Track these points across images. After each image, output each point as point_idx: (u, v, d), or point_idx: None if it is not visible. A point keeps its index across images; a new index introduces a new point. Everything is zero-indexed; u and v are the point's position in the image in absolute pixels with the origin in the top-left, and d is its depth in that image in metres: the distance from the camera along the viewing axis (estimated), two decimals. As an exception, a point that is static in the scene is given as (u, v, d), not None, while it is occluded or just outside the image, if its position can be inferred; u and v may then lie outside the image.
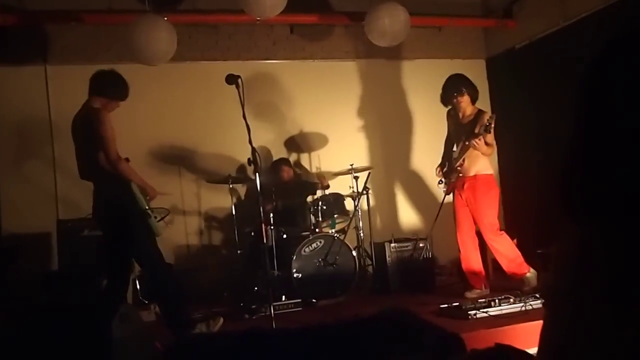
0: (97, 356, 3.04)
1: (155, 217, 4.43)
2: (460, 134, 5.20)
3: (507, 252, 5.13)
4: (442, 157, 5.44)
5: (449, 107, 5.35)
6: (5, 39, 6.11)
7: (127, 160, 4.37)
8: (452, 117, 5.39)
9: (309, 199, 6.34)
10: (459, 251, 5.31)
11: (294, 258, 5.51)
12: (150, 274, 4.51)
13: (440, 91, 5.33)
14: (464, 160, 5.11)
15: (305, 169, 7.08)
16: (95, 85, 4.43)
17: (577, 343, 1.00)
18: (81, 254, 5.48)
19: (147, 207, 4.27)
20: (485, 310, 4.24)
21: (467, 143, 5.01)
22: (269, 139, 6.89)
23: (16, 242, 5.79)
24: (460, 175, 5.15)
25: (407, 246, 5.93)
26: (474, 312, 4.22)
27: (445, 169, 5.30)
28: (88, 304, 4.87)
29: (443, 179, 5.34)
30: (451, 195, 5.34)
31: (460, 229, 5.27)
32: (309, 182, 6.72)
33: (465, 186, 5.16)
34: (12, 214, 6.01)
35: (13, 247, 5.62)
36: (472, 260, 5.23)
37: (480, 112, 5.17)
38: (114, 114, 4.46)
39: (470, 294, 5.07)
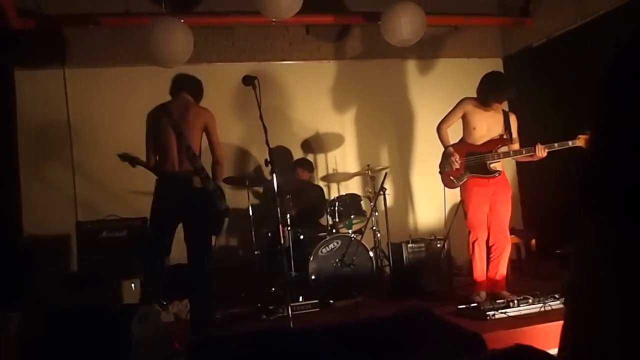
0: (116, 356, 3.06)
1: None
2: (486, 127, 5.00)
3: (506, 259, 5.06)
4: (453, 145, 5.11)
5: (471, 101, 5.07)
6: (25, 42, 6.18)
7: None
8: (474, 109, 5.04)
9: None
10: (472, 254, 5.06)
11: (311, 259, 5.51)
12: (197, 268, 4.60)
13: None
14: (499, 161, 4.96)
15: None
16: (198, 90, 4.86)
17: (596, 341, 0.99)
18: (100, 255, 5.54)
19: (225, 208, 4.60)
20: (503, 311, 4.22)
21: (518, 152, 4.90)
22: (286, 140, 6.90)
23: (36, 243, 5.85)
24: (496, 173, 4.95)
25: (424, 247, 5.91)
26: (492, 312, 4.19)
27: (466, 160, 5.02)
28: (107, 304, 4.93)
29: (450, 168, 5.05)
30: (458, 191, 5.12)
31: (481, 232, 5.02)
32: (322, 190, 6.72)
33: (491, 182, 4.98)
34: (33, 215, 6.07)
35: (33, 248, 5.68)
36: (483, 269, 5.07)
37: (505, 114, 5.06)
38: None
39: (478, 297, 4.97)
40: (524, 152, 4.91)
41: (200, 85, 4.90)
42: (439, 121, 5.17)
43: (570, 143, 4.68)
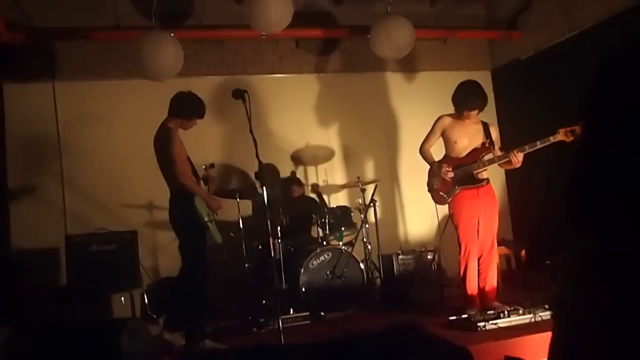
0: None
1: (217, 227, 4.86)
2: (467, 138, 5.01)
3: (495, 270, 5.05)
4: (439, 161, 5.13)
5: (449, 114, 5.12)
6: (15, 56, 6.16)
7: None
8: (452, 123, 5.08)
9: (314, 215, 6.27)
10: (465, 268, 4.98)
11: (302, 271, 5.50)
12: (186, 279, 4.66)
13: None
14: (486, 169, 4.96)
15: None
16: (171, 107, 4.80)
17: (586, 354, 1.00)
18: (89, 269, 5.51)
19: (207, 219, 4.65)
20: (494, 322, 4.22)
21: (503, 157, 4.85)
22: (276, 152, 6.90)
23: (25, 257, 5.81)
24: (484, 181, 4.95)
25: (414, 258, 5.91)
26: (483, 324, 4.20)
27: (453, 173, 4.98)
28: (97, 318, 4.90)
29: (438, 184, 5.05)
30: (446, 206, 5.11)
31: (474, 245, 4.95)
32: (315, 201, 6.72)
33: (480, 192, 4.95)
34: (21, 229, 6.03)
35: (22, 262, 5.64)
36: (476, 284, 5.03)
37: (484, 124, 5.08)
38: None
39: (472, 312, 4.91)
40: (499, 156, 4.92)
41: (181, 102, 4.82)
42: (421, 143, 5.21)
43: (551, 138, 4.68)
